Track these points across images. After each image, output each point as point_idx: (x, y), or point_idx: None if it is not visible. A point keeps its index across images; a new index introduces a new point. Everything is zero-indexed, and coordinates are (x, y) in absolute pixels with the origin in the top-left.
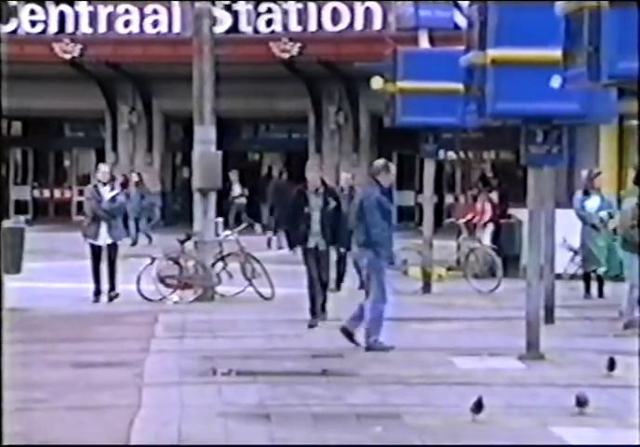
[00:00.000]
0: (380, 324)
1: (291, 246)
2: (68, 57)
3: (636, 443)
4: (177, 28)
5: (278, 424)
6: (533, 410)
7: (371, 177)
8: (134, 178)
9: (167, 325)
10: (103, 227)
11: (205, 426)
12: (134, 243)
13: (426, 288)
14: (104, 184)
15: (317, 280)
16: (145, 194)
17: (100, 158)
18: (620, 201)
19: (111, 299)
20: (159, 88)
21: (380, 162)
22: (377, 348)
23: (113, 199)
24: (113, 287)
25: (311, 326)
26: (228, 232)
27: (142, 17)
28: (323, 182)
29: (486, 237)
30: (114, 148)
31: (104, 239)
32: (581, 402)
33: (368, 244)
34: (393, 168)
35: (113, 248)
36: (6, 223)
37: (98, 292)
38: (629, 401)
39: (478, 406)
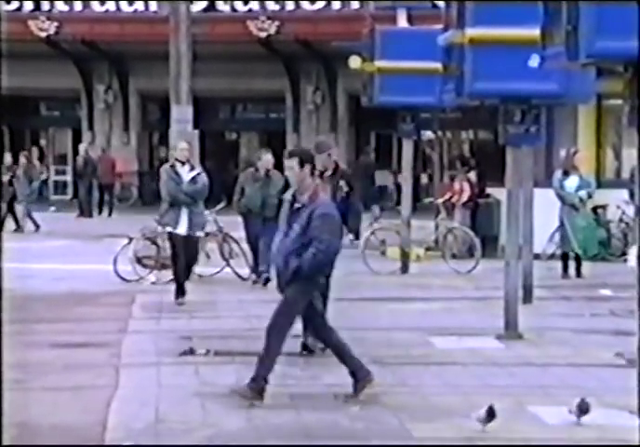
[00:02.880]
0: None
1: None
2: (44, 35)
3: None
4: (153, 6)
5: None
6: (510, 389)
7: None
8: (22, 159)
9: (145, 305)
10: (184, 213)
11: (182, 406)
12: (17, 228)
13: (404, 268)
14: (182, 164)
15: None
16: (34, 177)
17: (77, 138)
18: (599, 181)
19: (181, 302)
20: (136, 66)
21: None
22: None
23: (193, 180)
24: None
25: (306, 351)
26: (206, 212)
27: None
28: (334, 163)
29: (456, 218)
30: (91, 127)
31: (185, 227)
32: (582, 410)
33: None
34: None
35: (193, 238)
36: None
37: (183, 291)
38: (605, 380)
39: (490, 415)
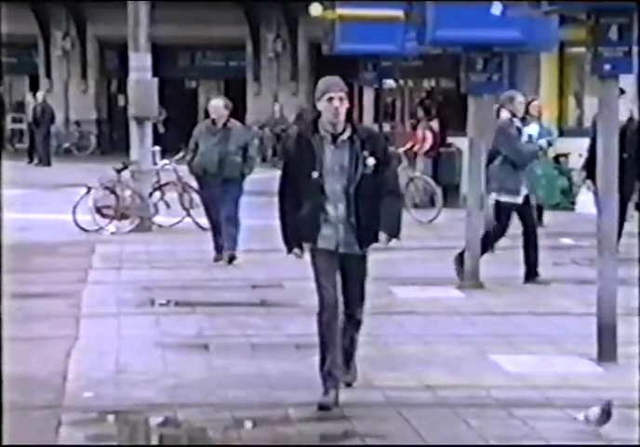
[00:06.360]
0: None
1: (289, 245)
2: None
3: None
4: None
5: (217, 354)
6: (471, 338)
7: None
8: None
9: (104, 256)
10: (524, 177)
11: (142, 356)
12: None
13: None
14: (522, 119)
15: (334, 310)
16: None
17: (34, 85)
18: (561, 130)
19: None
20: (93, 12)
21: None
22: None
23: (530, 138)
24: (535, 271)
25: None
26: (166, 161)
27: None
28: (348, 119)
29: (418, 167)
30: (48, 75)
31: (523, 194)
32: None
33: None
34: None
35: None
36: None
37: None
38: (565, 328)
39: (605, 415)
